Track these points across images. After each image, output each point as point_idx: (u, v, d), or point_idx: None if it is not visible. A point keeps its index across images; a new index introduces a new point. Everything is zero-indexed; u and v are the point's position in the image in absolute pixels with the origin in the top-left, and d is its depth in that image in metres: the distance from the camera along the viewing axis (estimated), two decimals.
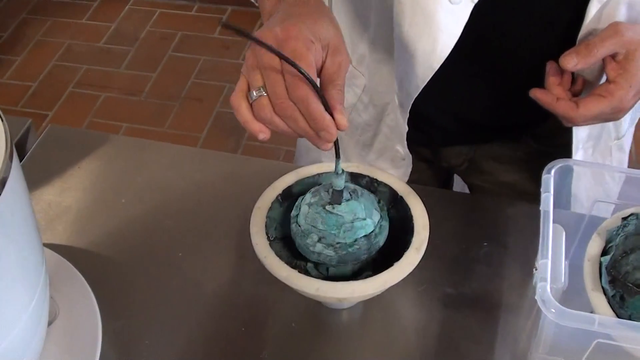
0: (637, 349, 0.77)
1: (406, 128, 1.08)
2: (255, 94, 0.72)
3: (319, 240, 0.78)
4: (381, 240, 0.80)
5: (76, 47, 3.27)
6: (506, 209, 1.01)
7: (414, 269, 0.78)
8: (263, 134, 0.73)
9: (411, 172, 1.20)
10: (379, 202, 0.83)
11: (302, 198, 0.82)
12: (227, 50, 3.18)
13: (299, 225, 0.80)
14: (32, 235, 0.71)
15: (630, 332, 0.72)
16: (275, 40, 0.72)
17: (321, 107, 0.70)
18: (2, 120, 0.63)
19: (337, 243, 0.78)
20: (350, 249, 0.78)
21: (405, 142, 1.11)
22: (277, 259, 0.78)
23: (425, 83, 0.96)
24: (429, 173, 1.28)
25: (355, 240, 0.77)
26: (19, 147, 1.11)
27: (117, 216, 1.01)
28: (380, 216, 0.79)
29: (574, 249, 0.93)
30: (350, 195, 0.78)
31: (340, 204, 0.77)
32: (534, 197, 0.87)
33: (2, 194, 0.60)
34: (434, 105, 1.10)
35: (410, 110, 1.06)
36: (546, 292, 0.72)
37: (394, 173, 1.18)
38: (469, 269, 0.93)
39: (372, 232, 0.78)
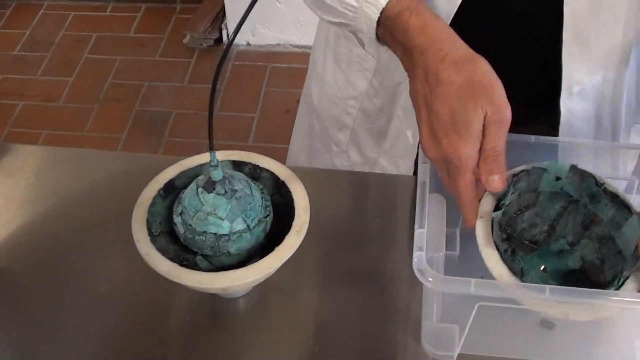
0: (518, 308, 0.79)
1: None
2: None
3: (181, 213, 0.80)
4: (233, 247, 0.79)
5: None
6: (398, 184, 1.02)
7: (308, 250, 0.79)
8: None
9: None
10: (266, 215, 0.82)
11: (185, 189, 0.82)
12: (144, 48, 3.16)
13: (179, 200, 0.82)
14: None
15: (506, 291, 0.73)
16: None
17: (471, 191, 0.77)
18: None
19: (189, 225, 0.79)
20: (197, 237, 0.78)
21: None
22: (158, 254, 0.78)
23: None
24: None
25: (204, 232, 0.78)
26: None
27: (10, 225, 0.99)
28: (247, 227, 0.79)
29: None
30: (225, 191, 0.78)
31: (209, 194, 0.77)
32: None
33: None
34: None
35: None
36: (423, 261, 0.73)
37: (404, 163, 1.15)
38: (361, 246, 0.94)
39: (223, 234, 0.78)
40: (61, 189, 1.04)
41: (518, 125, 1.11)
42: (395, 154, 1.16)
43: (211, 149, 0.76)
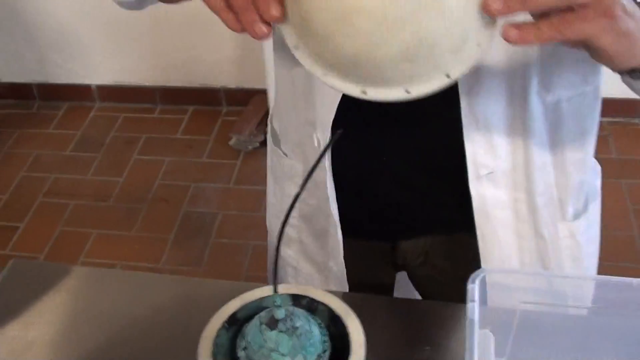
0: None
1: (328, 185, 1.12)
2: None
3: (244, 348, 0.85)
4: None
5: (44, 157, 3.34)
6: (446, 311, 1.06)
7: None
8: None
9: (363, 271, 1.25)
10: (324, 351, 0.86)
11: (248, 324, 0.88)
12: (191, 150, 3.27)
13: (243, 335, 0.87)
14: None
15: None
16: None
17: None
18: None
19: (253, 359, 0.84)
20: None
21: (333, 209, 1.14)
22: None
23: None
24: (380, 274, 1.34)
25: None
26: None
27: (79, 347, 1.05)
28: None
29: (510, 347, 0.99)
30: (287, 329, 0.83)
31: (272, 331, 0.83)
32: None
33: None
34: (384, 188, 1.15)
35: (372, 201, 1.14)
36: None
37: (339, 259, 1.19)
38: None
39: None
40: (123, 312, 1.10)
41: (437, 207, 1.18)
42: (338, 253, 1.19)
43: (275, 291, 0.82)
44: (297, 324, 0.84)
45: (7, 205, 3.09)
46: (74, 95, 3.66)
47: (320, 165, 1.09)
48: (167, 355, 1.03)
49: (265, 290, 0.94)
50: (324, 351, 0.86)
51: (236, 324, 0.92)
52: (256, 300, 0.94)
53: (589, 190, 1.14)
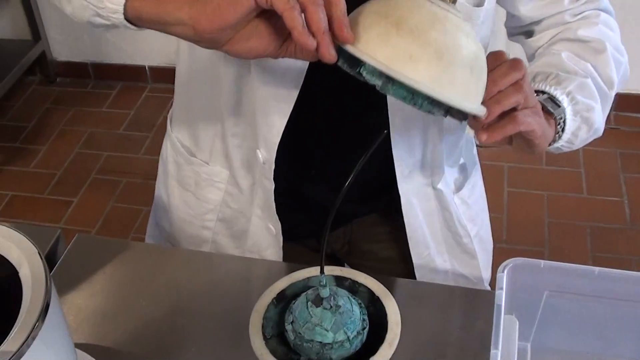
0: None
1: (272, 197, 1.19)
2: None
3: (292, 322, 0.94)
4: (335, 355, 0.93)
5: (97, 134, 3.45)
6: (476, 297, 1.14)
7: (394, 357, 0.92)
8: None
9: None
10: (363, 328, 0.96)
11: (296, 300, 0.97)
12: None
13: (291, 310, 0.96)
14: (66, 344, 0.85)
15: None
16: None
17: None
18: (41, 259, 0.77)
19: (299, 333, 0.93)
20: (305, 344, 0.93)
21: (276, 215, 1.22)
22: (272, 357, 0.92)
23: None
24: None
25: (311, 340, 0.92)
26: (51, 255, 1.25)
27: (138, 317, 1.14)
28: (347, 338, 0.93)
29: (534, 333, 1.07)
30: (331, 306, 0.92)
31: (317, 307, 0.92)
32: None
33: (45, 320, 0.74)
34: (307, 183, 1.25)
35: (301, 205, 1.24)
36: None
37: (271, 254, 1.27)
38: (442, 356, 1.06)
39: (327, 343, 0.92)
40: (179, 286, 1.19)
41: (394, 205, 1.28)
42: (259, 249, 1.28)
43: (322, 272, 0.91)
44: (340, 303, 0.93)
45: (61, 180, 3.21)
46: (128, 75, 3.77)
47: (253, 173, 1.21)
48: (220, 326, 1.11)
49: (312, 271, 1.03)
50: (363, 328, 0.95)
51: (284, 300, 1.02)
52: (303, 280, 1.03)
53: (467, 160, 1.33)
